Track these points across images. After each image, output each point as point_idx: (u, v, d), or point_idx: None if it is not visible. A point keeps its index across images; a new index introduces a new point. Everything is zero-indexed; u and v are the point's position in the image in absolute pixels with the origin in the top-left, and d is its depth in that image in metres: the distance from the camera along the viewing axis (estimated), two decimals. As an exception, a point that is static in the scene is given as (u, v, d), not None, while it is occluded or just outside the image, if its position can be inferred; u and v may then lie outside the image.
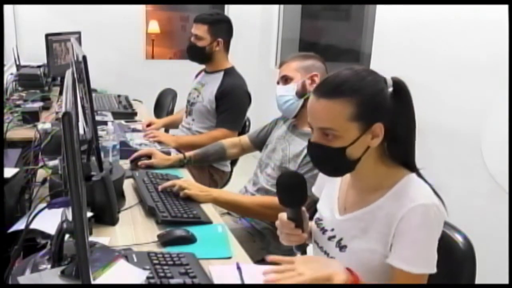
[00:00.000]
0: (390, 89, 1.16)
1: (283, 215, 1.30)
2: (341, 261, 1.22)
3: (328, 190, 1.38)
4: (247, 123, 2.91)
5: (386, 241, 1.16)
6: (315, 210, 1.42)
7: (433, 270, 1.12)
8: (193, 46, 2.79)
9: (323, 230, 1.31)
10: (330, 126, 1.14)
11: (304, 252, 1.34)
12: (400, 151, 1.21)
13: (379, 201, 1.19)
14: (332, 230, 1.29)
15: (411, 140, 1.21)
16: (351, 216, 1.25)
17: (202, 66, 2.93)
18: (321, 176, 1.46)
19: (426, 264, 1.12)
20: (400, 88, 1.17)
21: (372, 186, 1.22)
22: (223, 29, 2.79)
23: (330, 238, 1.28)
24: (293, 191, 1.27)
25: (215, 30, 2.75)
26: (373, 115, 1.14)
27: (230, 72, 2.80)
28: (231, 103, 2.72)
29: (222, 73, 2.79)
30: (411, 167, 1.22)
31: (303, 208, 1.31)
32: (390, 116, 1.16)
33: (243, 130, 2.83)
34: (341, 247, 1.24)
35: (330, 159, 1.18)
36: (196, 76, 3.01)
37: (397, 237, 1.13)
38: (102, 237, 1.45)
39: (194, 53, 2.81)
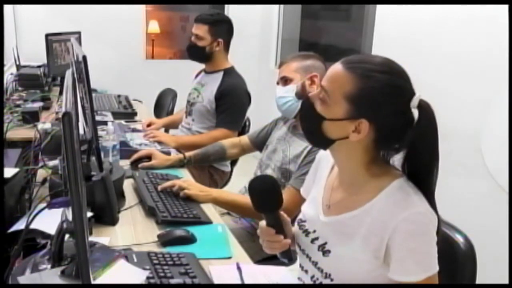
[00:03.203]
0: (415, 111, 1.08)
1: (263, 223, 1.25)
2: (325, 266, 1.18)
3: (314, 191, 1.33)
4: (247, 123, 2.91)
5: (375, 251, 1.11)
6: None
7: (436, 268, 1.09)
8: (193, 46, 2.79)
9: (306, 232, 1.26)
10: (327, 88, 1.12)
11: (290, 259, 1.29)
12: (413, 169, 1.13)
13: (365, 206, 1.13)
14: (314, 231, 1.23)
15: (427, 168, 1.11)
16: (335, 220, 1.19)
17: (202, 66, 2.94)
18: (308, 179, 1.42)
19: (429, 268, 1.09)
20: (423, 114, 1.08)
21: (358, 185, 1.17)
22: (223, 30, 2.79)
23: (313, 241, 1.23)
24: (266, 195, 1.22)
25: (215, 30, 2.76)
26: (366, 109, 1.09)
27: (229, 72, 2.80)
28: (231, 103, 2.72)
29: (221, 73, 2.79)
30: (427, 194, 1.11)
31: (282, 213, 1.26)
32: (388, 126, 1.10)
33: (243, 130, 2.83)
34: (324, 252, 1.18)
35: (309, 119, 1.17)
36: (196, 76, 3.01)
37: (394, 250, 1.09)
38: (102, 237, 1.45)
39: (194, 53, 2.82)
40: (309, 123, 1.17)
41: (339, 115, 1.10)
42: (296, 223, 1.32)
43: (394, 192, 1.11)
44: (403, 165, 1.15)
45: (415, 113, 1.08)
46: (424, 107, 1.08)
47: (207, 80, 2.85)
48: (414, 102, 1.08)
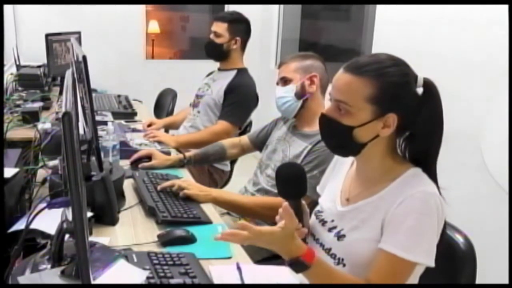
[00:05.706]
0: (420, 89, 1.17)
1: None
2: (338, 251, 1.22)
3: (331, 185, 1.38)
4: (249, 125, 2.91)
5: (381, 227, 1.15)
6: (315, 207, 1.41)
7: (432, 263, 1.10)
8: (211, 43, 2.82)
9: (323, 222, 1.30)
10: (346, 100, 1.15)
11: None
12: (419, 153, 1.20)
13: (381, 193, 1.19)
14: (332, 221, 1.28)
15: (434, 145, 1.20)
16: (352, 207, 1.24)
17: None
18: (325, 176, 1.46)
19: (425, 254, 1.10)
20: (429, 90, 1.18)
21: (377, 177, 1.22)
22: (241, 28, 2.84)
23: (330, 229, 1.27)
24: (293, 181, 1.26)
25: (233, 28, 2.80)
26: (390, 104, 1.15)
27: (243, 72, 2.84)
28: (238, 98, 2.74)
29: (235, 71, 2.82)
30: (430, 173, 1.19)
31: (303, 202, 1.30)
32: (409, 113, 1.16)
33: (244, 132, 2.84)
34: (339, 237, 1.23)
35: (337, 135, 1.19)
36: (208, 75, 3.02)
37: (392, 222, 1.12)
38: (102, 237, 1.45)
39: (211, 50, 2.84)
40: (339, 137, 1.19)
41: (366, 118, 1.15)
42: (313, 214, 1.36)
43: (409, 178, 1.18)
44: (410, 151, 1.21)
45: (420, 90, 1.18)
46: (427, 82, 1.18)
47: (219, 76, 2.87)
48: (420, 82, 1.18)
